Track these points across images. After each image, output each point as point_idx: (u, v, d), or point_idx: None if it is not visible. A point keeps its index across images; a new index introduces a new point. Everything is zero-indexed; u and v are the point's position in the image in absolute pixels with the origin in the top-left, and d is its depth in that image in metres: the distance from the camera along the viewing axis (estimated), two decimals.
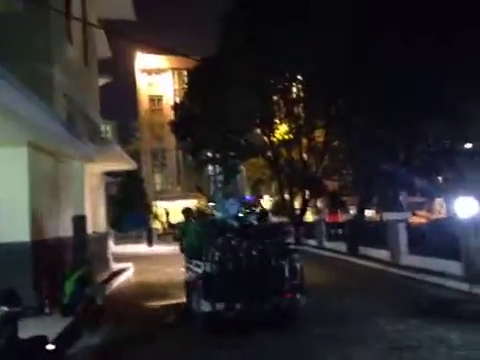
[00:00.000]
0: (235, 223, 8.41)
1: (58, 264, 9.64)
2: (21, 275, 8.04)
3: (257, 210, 9.34)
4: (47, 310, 8.45)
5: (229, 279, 7.04)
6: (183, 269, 9.01)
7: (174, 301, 10.02)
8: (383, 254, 15.48)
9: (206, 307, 6.95)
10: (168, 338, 7.43)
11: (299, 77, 23.86)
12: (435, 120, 16.55)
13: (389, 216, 15.80)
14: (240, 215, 8.77)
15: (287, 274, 7.29)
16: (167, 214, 10.30)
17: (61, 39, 11.46)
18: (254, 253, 7.33)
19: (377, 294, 10.28)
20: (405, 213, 16.78)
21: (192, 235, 8.82)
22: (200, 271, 7.39)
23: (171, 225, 10.50)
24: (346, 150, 20.62)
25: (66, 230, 10.50)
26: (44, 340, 5.45)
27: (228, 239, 7.56)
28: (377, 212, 29.60)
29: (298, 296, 7.28)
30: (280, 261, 7.34)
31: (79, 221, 10.58)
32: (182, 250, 9.21)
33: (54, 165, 10.34)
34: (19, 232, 8.46)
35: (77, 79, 13.07)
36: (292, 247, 8.09)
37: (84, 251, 10.49)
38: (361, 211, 19.31)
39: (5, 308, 5.07)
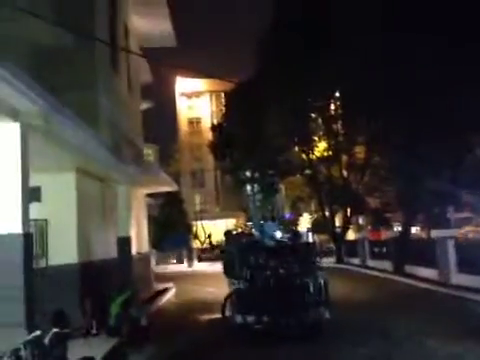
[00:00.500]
0: (271, 243, 9.32)
1: (104, 285, 9.87)
2: (69, 296, 8.30)
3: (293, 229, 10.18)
4: (94, 331, 8.63)
5: (258, 295, 7.96)
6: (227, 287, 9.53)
7: (214, 316, 10.40)
8: (431, 273, 14.88)
9: (238, 319, 7.94)
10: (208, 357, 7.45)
11: (337, 94, 23.71)
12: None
13: (437, 233, 15.19)
14: (277, 234, 9.67)
15: (312, 290, 8.01)
16: (209, 236, 10.82)
17: (106, 68, 11.96)
18: (281, 271, 8.18)
19: (426, 314, 9.88)
20: (453, 230, 16.08)
21: (230, 255, 9.37)
22: (234, 288, 8.40)
23: (213, 246, 11.13)
24: (388, 166, 20.10)
25: (111, 251, 10.78)
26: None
27: (258, 259, 8.40)
28: (422, 229, 28.60)
29: (322, 310, 7.92)
30: (305, 278, 8.11)
31: (124, 242, 10.84)
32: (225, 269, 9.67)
33: (100, 189, 10.72)
34: (67, 254, 8.77)
35: (121, 106, 13.58)
36: (318, 265, 8.69)
37: (129, 272, 10.71)
38: (407, 228, 18.66)
39: (55, 329, 5.24)
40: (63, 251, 8.72)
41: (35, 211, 6.13)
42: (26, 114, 5.44)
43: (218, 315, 9.73)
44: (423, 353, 6.96)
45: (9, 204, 5.46)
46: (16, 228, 5.44)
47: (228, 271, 9.24)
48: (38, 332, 4.81)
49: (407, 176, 16.82)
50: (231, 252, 9.34)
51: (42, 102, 5.32)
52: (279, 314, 7.78)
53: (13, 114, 5.36)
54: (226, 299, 9.22)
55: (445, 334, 7.93)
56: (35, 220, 7.63)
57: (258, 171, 27.38)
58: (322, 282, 8.19)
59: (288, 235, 9.72)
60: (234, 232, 14.22)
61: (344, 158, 25.03)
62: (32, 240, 5.93)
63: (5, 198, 5.47)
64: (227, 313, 9.02)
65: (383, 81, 15.71)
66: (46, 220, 8.67)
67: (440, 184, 17.24)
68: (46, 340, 5.02)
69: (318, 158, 25.26)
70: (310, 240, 10.00)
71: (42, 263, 8.41)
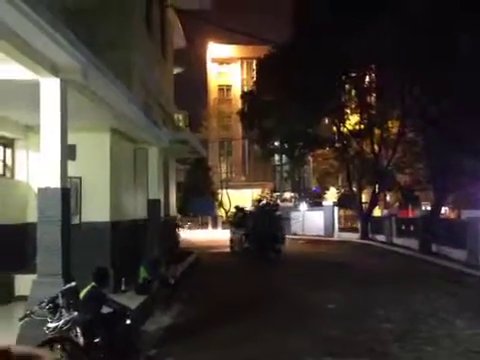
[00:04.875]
0: (265, 211, 18.53)
1: (134, 244, 10.12)
2: (100, 253, 8.53)
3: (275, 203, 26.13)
4: (123, 287, 8.91)
5: (255, 236, 16.95)
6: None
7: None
8: (459, 254, 14.62)
9: (244, 246, 17.43)
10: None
11: (372, 66, 22.90)
12: None
13: (468, 214, 14.84)
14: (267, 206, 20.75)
15: (278, 236, 16.98)
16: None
17: (141, 29, 11.84)
18: (266, 226, 16.88)
19: (453, 294, 9.77)
20: None
21: (241, 218, 19.31)
22: (244, 232, 17.68)
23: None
24: (422, 143, 19.51)
25: (141, 212, 10.97)
26: (124, 315, 5.74)
27: (255, 219, 17.59)
28: (452, 209, 27.97)
29: (281, 246, 17.05)
30: (276, 230, 17.06)
31: (154, 204, 10.99)
32: (232, 224, 20.68)
33: (132, 150, 10.83)
34: (99, 212, 8.94)
35: (154, 68, 13.52)
36: (283, 225, 18.67)
37: (157, 233, 10.91)
38: (437, 207, 18.26)
39: (94, 284, 5.40)
40: (96, 209, 8.90)
41: (70, 169, 6.22)
42: (66, 69, 5.45)
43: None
44: (448, 331, 6.92)
45: (48, 159, 5.57)
46: (55, 183, 5.55)
47: (238, 225, 18.91)
48: (73, 283, 4.97)
49: (440, 153, 16.33)
50: (239, 216, 19.82)
51: (82, 57, 5.32)
52: (263, 245, 16.65)
53: (53, 69, 5.38)
54: (231, 240, 19.44)
55: (471, 315, 7.84)
56: (70, 178, 7.77)
57: (287, 142, 27.04)
58: (283, 234, 17.69)
59: (274, 207, 20.17)
60: (261, 203, 23.08)
61: (376, 132, 24.43)
62: (69, 194, 6.05)
63: (45, 153, 5.57)
64: (236, 248, 18.51)
65: (423, 53, 15.07)
66: (80, 178, 8.84)
67: (474, 163, 16.69)
68: (83, 293, 5.19)
69: (349, 131, 24.76)
70: (281, 213, 19.58)
71: (76, 220, 8.62)
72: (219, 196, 41.59)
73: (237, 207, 21.53)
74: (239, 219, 19.40)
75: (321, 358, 5.67)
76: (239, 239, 17.79)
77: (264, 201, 37.53)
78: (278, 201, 37.53)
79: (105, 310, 5.57)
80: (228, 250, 19.34)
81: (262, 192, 41.26)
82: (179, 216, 27.34)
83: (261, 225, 16.97)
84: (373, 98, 24.62)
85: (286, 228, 24.09)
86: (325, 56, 18.80)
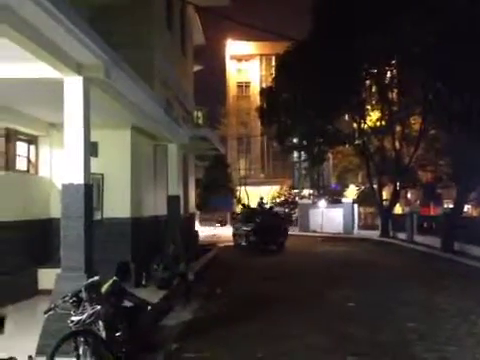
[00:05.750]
0: (269, 209, 22.83)
1: (154, 240, 10.23)
2: (122, 249, 8.67)
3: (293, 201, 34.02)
4: (143, 282, 9.03)
5: (260, 230, 18.62)
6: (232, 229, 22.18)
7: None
8: None
9: (251, 239, 18.83)
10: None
11: (393, 62, 22.51)
12: None
13: None
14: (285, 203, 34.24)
15: (281, 231, 19.49)
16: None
17: (162, 27, 11.92)
18: (269, 222, 19.27)
19: (478, 294, 9.59)
20: None
21: (247, 215, 21.07)
22: (250, 228, 19.04)
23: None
24: (445, 139, 19.13)
25: (161, 209, 11.07)
26: (145, 309, 5.81)
27: (261, 216, 20.06)
28: (475, 207, 27.41)
29: (283, 240, 19.44)
30: (278, 225, 19.67)
31: (173, 201, 11.07)
32: (236, 221, 22.77)
33: (152, 147, 10.93)
34: (120, 208, 9.06)
35: (175, 65, 13.59)
36: (285, 221, 23.01)
37: (177, 229, 11.00)
38: (459, 205, 17.90)
39: (116, 278, 5.48)
40: (117, 205, 9.02)
41: (92, 166, 6.32)
42: (89, 67, 5.53)
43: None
44: (472, 330, 6.80)
45: (72, 156, 5.66)
46: (78, 179, 5.65)
47: (242, 221, 20.72)
48: (96, 277, 5.05)
49: (464, 149, 15.99)
50: (247, 213, 22.03)
51: (105, 56, 5.38)
52: (267, 239, 18.62)
53: (77, 67, 5.47)
54: (234, 235, 21.15)
55: None
56: (92, 174, 7.88)
57: (306, 138, 26.87)
58: (285, 228, 20.39)
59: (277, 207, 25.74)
60: (278, 200, 26.84)
61: (398, 129, 24.06)
62: (92, 191, 6.15)
63: (68, 150, 5.67)
64: (240, 242, 19.85)
65: (446, 47, 14.75)
66: (102, 175, 8.97)
67: None
68: (105, 287, 5.27)
69: (370, 128, 24.44)
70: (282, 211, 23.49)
71: (98, 216, 8.74)
72: (237, 193, 41.65)
73: (244, 205, 25.54)
74: (247, 215, 21.15)
75: (343, 357, 5.64)
76: (245, 234, 19.25)
77: (282, 198, 37.62)
78: (296, 198, 37.38)
79: (126, 304, 5.66)
80: (242, 244, 19.69)
81: (281, 189, 41.12)
82: (198, 212, 27.48)
83: (266, 221, 19.22)
84: (394, 94, 24.25)
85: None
86: (345, 52, 18.56)
